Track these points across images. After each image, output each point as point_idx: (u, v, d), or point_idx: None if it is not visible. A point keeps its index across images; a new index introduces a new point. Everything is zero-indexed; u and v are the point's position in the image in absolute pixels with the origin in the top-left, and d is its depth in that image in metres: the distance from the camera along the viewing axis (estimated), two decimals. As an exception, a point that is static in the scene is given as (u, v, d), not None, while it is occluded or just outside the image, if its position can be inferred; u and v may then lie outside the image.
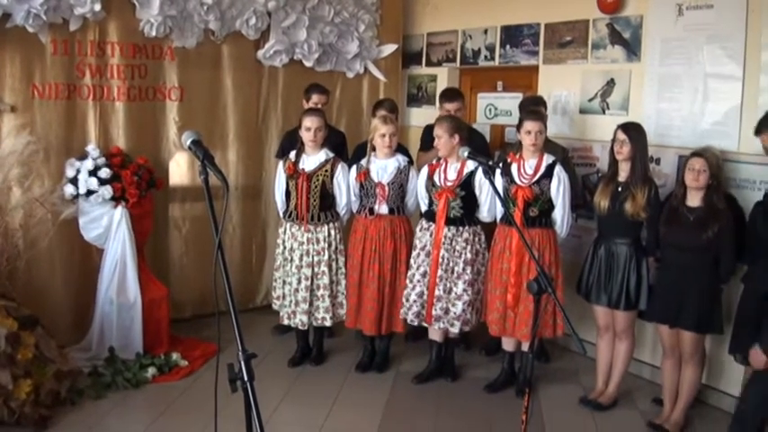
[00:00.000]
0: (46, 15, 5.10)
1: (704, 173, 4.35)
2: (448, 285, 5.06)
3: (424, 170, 5.23)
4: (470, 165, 4.93)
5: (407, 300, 5.17)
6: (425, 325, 5.22)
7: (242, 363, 2.05)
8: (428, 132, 5.89)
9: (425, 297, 5.11)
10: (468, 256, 5.05)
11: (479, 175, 4.94)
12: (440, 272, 5.04)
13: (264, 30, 6.38)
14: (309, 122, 5.17)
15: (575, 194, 5.27)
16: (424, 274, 5.12)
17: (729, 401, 4.91)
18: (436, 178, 5.09)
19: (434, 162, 5.19)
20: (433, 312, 5.08)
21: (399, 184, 5.18)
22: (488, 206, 5.08)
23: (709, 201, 4.37)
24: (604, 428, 4.67)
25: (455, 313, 5.06)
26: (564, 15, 6.06)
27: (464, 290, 5.04)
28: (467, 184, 5.01)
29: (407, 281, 5.19)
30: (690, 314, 4.41)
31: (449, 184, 5.04)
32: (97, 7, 5.30)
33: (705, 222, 4.33)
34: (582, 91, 5.95)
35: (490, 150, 6.27)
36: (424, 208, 5.28)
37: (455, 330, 5.12)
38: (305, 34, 6.53)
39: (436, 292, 5.05)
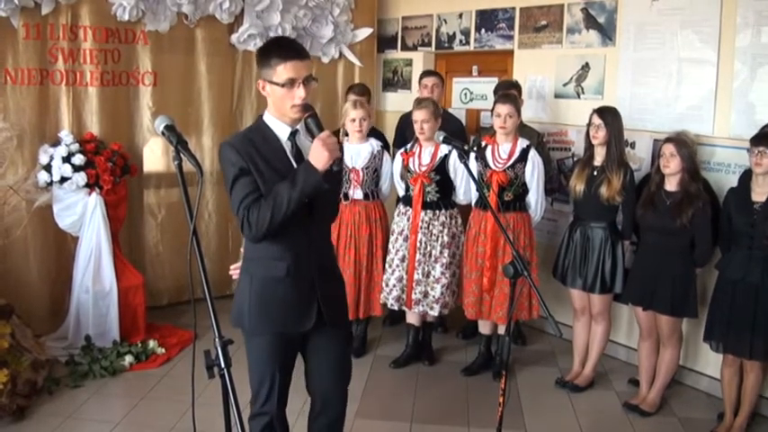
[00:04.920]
0: (18, -1, 5.05)
1: (674, 158, 4.39)
2: (426, 269, 5.08)
3: (399, 158, 5.23)
4: (444, 148, 4.92)
5: (387, 285, 5.19)
6: (405, 309, 5.24)
7: (219, 349, 2.05)
8: (406, 121, 5.91)
9: (405, 281, 5.12)
10: (445, 239, 5.07)
11: (453, 157, 4.95)
12: (418, 256, 5.06)
13: (238, 13, 6.32)
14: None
15: (549, 179, 5.31)
16: (402, 259, 5.13)
17: (706, 382, 4.99)
18: (411, 164, 5.10)
19: (409, 150, 5.19)
20: (413, 296, 5.09)
21: (374, 169, 5.17)
22: (464, 189, 5.09)
23: (686, 185, 4.40)
24: (581, 409, 4.72)
25: (434, 296, 5.08)
26: (539, 0, 6.06)
27: (442, 273, 5.06)
28: (441, 167, 5.02)
29: (387, 266, 5.20)
30: (664, 297, 4.45)
31: (423, 168, 5.04)
32: (69, -10, 5.24)
33: (681, 207, 4.36)
34: (557, 75, 5.96)
35: (467, 134, 6.28)
36: (401, 193, 5.30)
37: (434, 313, 5.15)
38: (278, 18, 6.48)
39: (415, 276, 5.07)
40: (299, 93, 2.77)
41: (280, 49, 2.83)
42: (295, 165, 2.82)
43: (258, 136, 2.86)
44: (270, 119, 2.89)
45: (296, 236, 2.84)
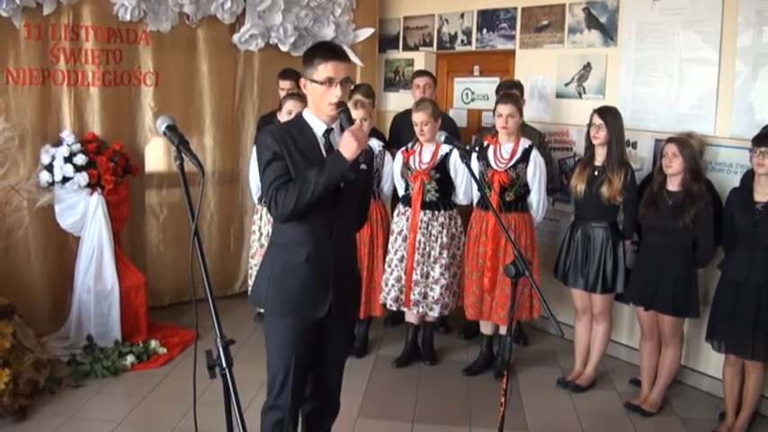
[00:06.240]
0: (20, -1, 5.05)
1: (676, 158, 4.38)
2: (425, 270, 5.08)
3: (399, 156, 5.23)
4: (445, 147, 4.91)
5: (386, 284, 5.18)
6: (404, 309, 5.23)
7: (220, 349, 2.05)
8: (401, 121, 5.93)
9: (403, 281, 5.12)
10: (444, 239, 5.06)
11: (454, 157, 4.95)
12: (416, 256, 5.06)
13: (239, 14, 6.32)
14: (292, 106, 5.13)
15: (550, 179, 5.31)
16: (401, 259, 5.12)
17: (707, 382, 4.99)
18: (411, 162, 5.10)
19: (410, 148, 5.19)
20: (412, 297, 5.09)
21: (375, 169, 5.17)
22: (464, 189, 5.09)
23: (688, 185, 4.40)
24: (583, 409, 4.72)
25: (433, 297, 5.08)
26: (540, 0, 6.06)
27: (441, 274, 5.06)
28: (441, 166, 5.02)
29: (386, 265, 5.20)
30: (666, 297, 4.45)
31: (423, 166, 5.04)
32: (71, -10, 5.24)
33: (683, 207, 4.36)
34: (558, 75, 5.96)
35: (461, 135, 6.27)
36: (401, 192, 5.29)
37: (434, 314, 5.15)
38: (280, 18, 6.48)
39: (414, 277, 5.07)
40: (336, 92, 2.96)
41: (323, 50, 3.03)
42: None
43: (295, 128, 3.07)
44: (308, 115, 3.09)
45: (319, 225, 3.02)
